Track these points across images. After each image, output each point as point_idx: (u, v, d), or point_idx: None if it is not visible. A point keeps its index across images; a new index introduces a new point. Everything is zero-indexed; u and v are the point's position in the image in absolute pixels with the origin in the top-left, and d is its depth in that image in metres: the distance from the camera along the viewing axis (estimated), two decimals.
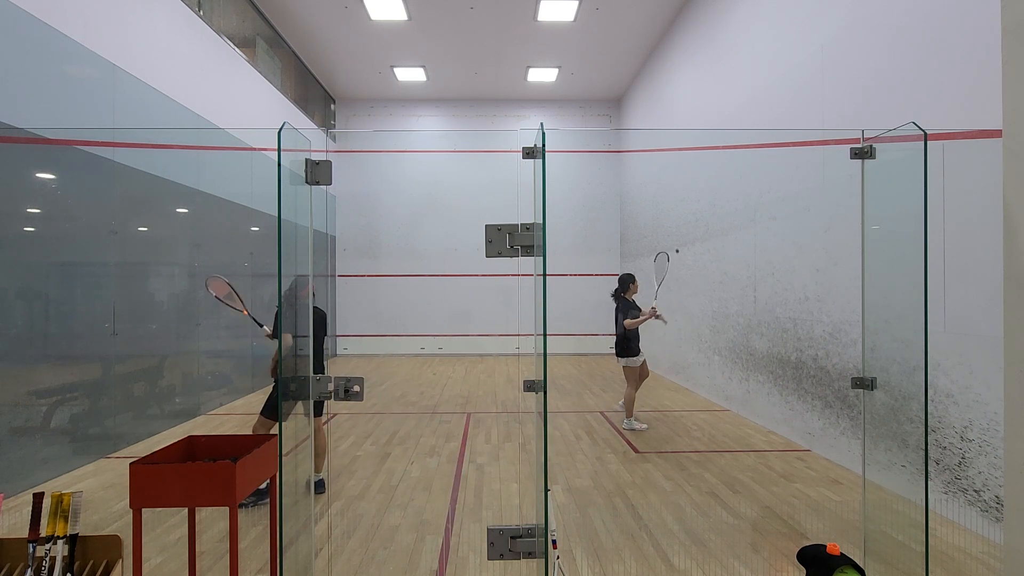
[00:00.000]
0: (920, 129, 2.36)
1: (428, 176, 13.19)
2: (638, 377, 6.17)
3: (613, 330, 6.27)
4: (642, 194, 11.41)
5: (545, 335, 2.20)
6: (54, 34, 4.75)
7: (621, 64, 11.39)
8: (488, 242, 2.06)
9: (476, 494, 4.17)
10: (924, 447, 2.69)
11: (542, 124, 2.14)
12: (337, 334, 13.08)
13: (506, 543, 2.11)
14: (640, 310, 6.12)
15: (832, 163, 5.09)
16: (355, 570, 3.02)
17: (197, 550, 2.55)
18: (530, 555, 2.10)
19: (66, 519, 2.32)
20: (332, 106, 13.17)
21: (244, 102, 8.57)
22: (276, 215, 2.06)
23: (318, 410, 4.25)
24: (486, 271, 12.75)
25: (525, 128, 11.30)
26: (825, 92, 5.21)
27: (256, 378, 8.44)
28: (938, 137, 3.73)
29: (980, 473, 3.48)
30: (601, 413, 6.94)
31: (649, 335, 10.95)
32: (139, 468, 2.14)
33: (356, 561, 3.12)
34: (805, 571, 2.15)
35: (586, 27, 9.77)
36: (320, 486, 4.20)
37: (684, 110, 9.08)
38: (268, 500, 4.13)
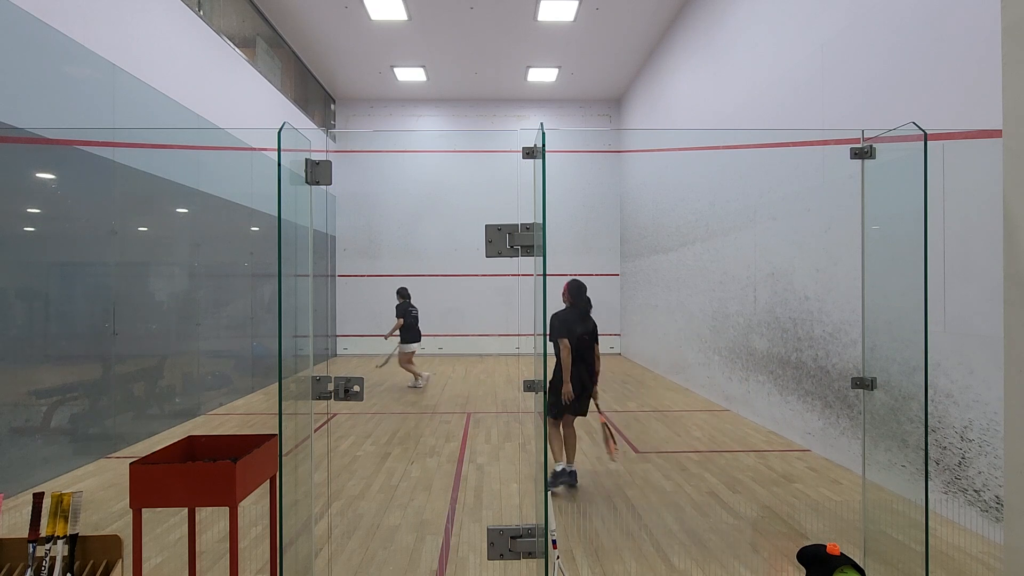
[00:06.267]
0: (920, 129, 2.36)
1: (428, 176, 13.19)
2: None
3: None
4: (642, 194, 11.41)
5: (545, 335, 2.20)
6: (54, 34, 4.75)
7: (621, 64, 11.39)
8: (488, 242, 2.06)
9: (476, 494, 4.17)
10: (924, 447, 2.70)
11: (542, 124, 2.14)
12: (337, 334, 13.08)
13: (506, 543, 2.11)
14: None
15: (832, 163, 5.09)
16: (355, 570, 3.02)
17: (197, 550, 2.55)
18: (530, 555, 2.10)
19: (66, 519, 2.32)
20: (332, 106, 13.18)
21: (244, 102, 8.56)
22: (276, 215, 2.06)
23: (557, 412, 4.35)
24: (486, 271, 12.74)
25: (525, 128, 11.29)
26: (825, 92, 5.21)
27: (256, 378, 8.45)
28: (938, 137, 3.72)
29: (980, 473, 3.48)
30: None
31: (649, 334, 10.95)
32: (139, 468, 2.14)
33: (356, 561, 3.12)
34: (805, 571, 2.15)
35: (586, 27, 9.77)
36: (572, 477, 4.25)
37: (684, 110, 9.08)
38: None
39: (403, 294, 8.65)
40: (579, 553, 3.21)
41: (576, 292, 4.51)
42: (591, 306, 4.54)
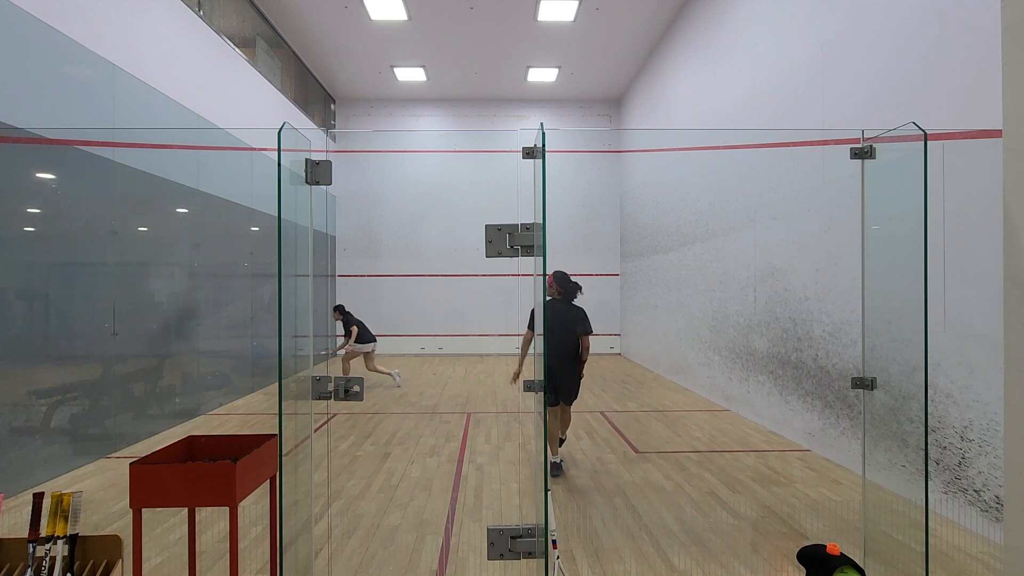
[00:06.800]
0: (920, 129, 2.36)
1: (428, 176, 13.19)
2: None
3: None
4: (642, 194, 11.41)
5: (545, 335, 2.20)
6: (54, 34, 4.75)
7: (621, 64, 11.39)
8: (488, 242, 2.06)
9: (476, 494, 4.17)
10: (924, 447, 2.70)
11: (542, 124, 2.14)
12: (337, 334, 13.07)
13: (506, 543, 2.11)
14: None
15: (832, 163, 5.09)
16: (355, 570, 3.02)
17: (197, 550, 2.55)
18: (530, 555, 2.10)
19: (66, 519, 2.32)
20: (332, 106, 13.17)
21: (244, 102, 8.56)
22: (276, 215, 2.06)
23: (554, 400, 4.65)
24: (486, 271, 12.74)
25: (525, 128, 11.29)
26: (825, 92, 5.21)
27: (256, 378, 8.44)
28: (938, 137, 3.73)
29: (980, 473, 3.48)
30: (601, 413, 6.94)
31: (649, 334, 10.95)
32: (139, 468, 2.14)
33: (356, 561, 3.12)
34: (805, 571, 2.15)
35: (586, 27, 9.77)
36: (556, 468, 4.61)
37: (684, 110, 9.08)
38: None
39: (342, 310, 9.07)
40: (579, 553, 3.21)
41: (562, 280, 4.77)
42: (576, 292, 4.78)
